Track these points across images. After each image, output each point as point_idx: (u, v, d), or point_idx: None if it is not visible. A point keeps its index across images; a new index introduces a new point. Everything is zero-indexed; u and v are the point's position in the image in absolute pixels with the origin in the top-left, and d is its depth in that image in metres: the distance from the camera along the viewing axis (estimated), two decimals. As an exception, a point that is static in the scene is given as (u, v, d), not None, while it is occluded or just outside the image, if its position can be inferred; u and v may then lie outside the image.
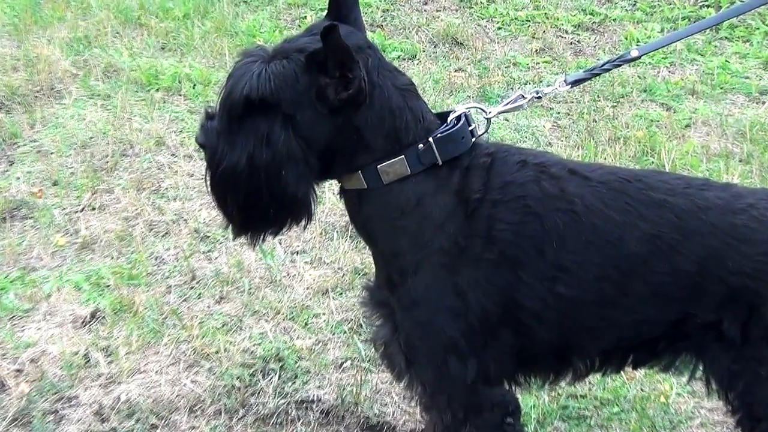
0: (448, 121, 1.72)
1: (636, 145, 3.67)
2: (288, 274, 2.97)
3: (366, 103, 1.62)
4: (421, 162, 1.67)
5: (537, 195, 1.65)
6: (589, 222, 1.64)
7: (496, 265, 1.65)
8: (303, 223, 1.71)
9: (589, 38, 4.94)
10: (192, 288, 2.91)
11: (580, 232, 1.64)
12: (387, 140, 1.66)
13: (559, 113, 4.12)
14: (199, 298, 2.87)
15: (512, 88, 4.28)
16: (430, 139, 1.68)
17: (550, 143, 3.82)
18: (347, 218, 3.46)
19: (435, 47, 4.71)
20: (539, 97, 1.89)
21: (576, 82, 1.92)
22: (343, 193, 1.78)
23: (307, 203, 1.67)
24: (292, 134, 1.61)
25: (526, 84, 4.36)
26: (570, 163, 1.75)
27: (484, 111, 1.84)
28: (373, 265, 1.83)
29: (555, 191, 1.66)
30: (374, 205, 1.70)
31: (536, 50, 4.74)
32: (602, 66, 1.93)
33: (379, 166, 1.67)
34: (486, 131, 1.79)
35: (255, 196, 1.63)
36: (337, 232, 3.20)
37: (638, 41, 4.82)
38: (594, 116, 4.03)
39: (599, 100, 4.20)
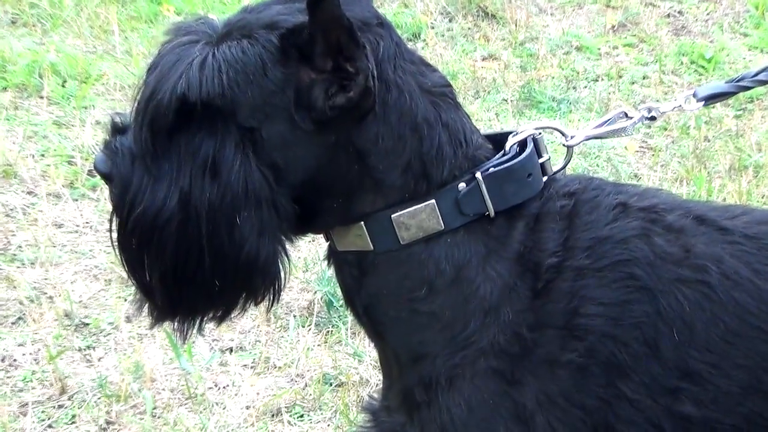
0: (506, 147, 1.78)
1: (775, 179, 3.83)
2: (216, 385, 2.98)
3: (375, 113, 1.66)
4: (462, 211, 1.71)
5: (647, 258, 1.69)
6: (730, 300, 1.67)
7: (582, 372, 1.67)
8: (266, 301, 1.72)
9: (697, 7, 5.10)
10: (61, 407, 2.90)
11: (718, 316, 1.67)
12: (407, 175, 1.70)
13: (649, 128, 4.23)
14: (72, 422, 2.86)
15: (574, 87, 4.39)
16: (478, 174, 1.72)
17: (636, 174, 3.92)
18: (312, 295, 3.46)
19: (451, 21, 4.82)
20: (652, 118, 1.94)
21: (714, 98, 1.98)
22: (333, 257, 1.79)
23: (272, 270, 1.68)
24: (254, 160, 1.63)
25: (597, 80, 4.48)
26: (696, 207, 1.79)
27: (563, 134, 1.88)
28: (377, 373, 1.84)
29: (676, 252, 1.70)
30: (384, 277, 1.73)
31: (613, 27, 4.92)
32: (762, 73, 1.98)
33: (393, 216, 1.70)
34: (565, 166, 1.84)
35: (191, 259, 1.66)
36: (295, 316, 3.19)
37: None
38: (706, 132, 4.16)
39: (714, 107, 4.32)
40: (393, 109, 1.68)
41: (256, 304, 1.73)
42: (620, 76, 4.58)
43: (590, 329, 1.67)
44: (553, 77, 4.49)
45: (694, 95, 1.98)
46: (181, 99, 1.61)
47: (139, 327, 3.19)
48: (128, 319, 3.20)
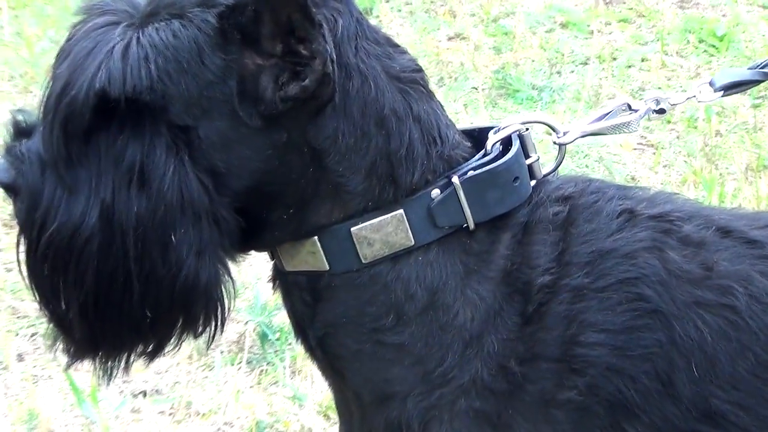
0: (488, 146, 1.82)
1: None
2: (127, 436, 2.99)
3: (334, 105, 1.70)
4: (436, 223, 1.75)
5: (659, 277, 1.72)
6: (761, 328, 1.71)
7: (582, 413, 1.70)
8: (207, 332, 1.75)
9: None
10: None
11: (745, 346, 1.70)
12: (371, 179, 1.74)
13: (649, 121, 4.27)
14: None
15: (559, 73, 4.43)
16: (455, 179, 1.76)
17: (633, 177, 3.98)
18: (243, 326, 3.47)
19: (409, -7, 4.85)
20: (661, 111, 1.99)
21: (734, 88, 2.01)
22: (280, 279, 1.83)
23: (214, 296, 1.72)
24: (190, 165, 1.67)
25: (586, 64, 4.50)
26: (719, 215, 1.82)
27: (554, 131, 1.91)
28: (322, 420, 1.87)
29: (694, 270, 1.73)
30: (343, 303, 1.77)
31: (605, -3, 5.01)
32: None
33: (353, 229, 1.74)
34: (557, 168, 1.88)
35: (116, 286, 1.68)
36: (222, 351, 3.21)
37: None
38: (718, 125, 4.21)
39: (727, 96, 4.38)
40: (355, 100, 1.71)
41: (195, 337, 1.76)
42: (614, 59, 4.65)
43: (591, 361, 1.70)
44: (533, 60, 4.52)
45: (711, 84, 2.00)
46: (101, 95, 1.64)
47: (34, 366, 3.18)
48: (20, 358, 3.19)
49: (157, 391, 3.17)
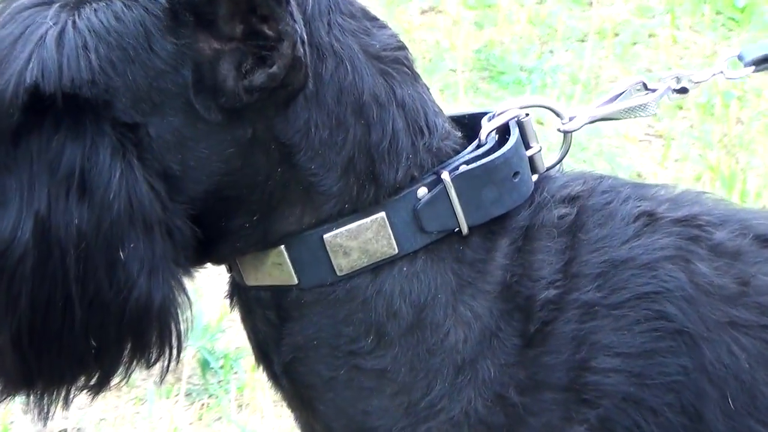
0: (482, 136, 1.84)
1: None
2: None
3: (306, 94, 1.72)
4: (424, 228, 1.77)
5: (685, 291, 1.74)
6: None
7: None
8: (161, 361, 1.77)
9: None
10: None
11: None
12: (348, 176, 1.76)
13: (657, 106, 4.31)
14: None
15: (551, 51, 4.46)
16: (445, 175, 1.78)
17: (640, 173, 4.01)
18: (187, 354, 3.47)
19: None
20: (683, 90, 2.00)
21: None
22: (239, 294, 1.85)
23: (169, 319, 1.74)
24: (139, 168, 1.67)
25: (583, 41, 4.53)
26: (756, 219, 1.84)
27: (558, 116, 1.93)
28: None
29: (728, 284, 1.75)
30: (315, 323, 1.79)
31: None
32: None
33: (327, 236, 1.76)
34: (561, 160, 1.90)
35: (54, 311, 1.69)
36: (155, 382, 3.22)
37: None
38: (739, 111, 4.27)
39: (749, 77, 4.40)
40: (329, 86, 1.73)
41: (148, 366, 1.77)
42: (616, 35, 4.69)
43: (605, 390, 1.72)
44: (521, 37, 4.54)
45: (740, 58, 2.03)
46: (33, 91, 1.64)
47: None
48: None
49: (79, 429, 3.15)
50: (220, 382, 3.35)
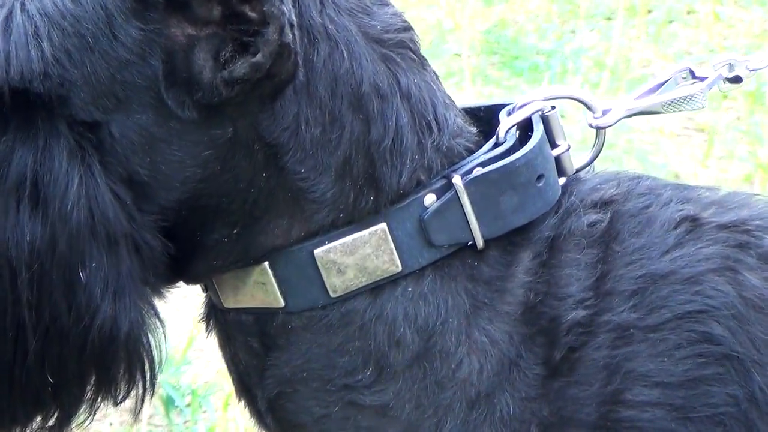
0: (500, 132, 1.85)
1: None
2: None
3: (295, 86, 1.73)
4: (432, 241, 1.78)
5: (734, 309, 1.75)
6: None
7: None
8: (133, 395, 1.77)
9: None
10: None
11: None
12: (344, 181, 1.77)
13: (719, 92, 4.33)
14: None
15: (573, 31, 4.48)
16: (456, 179, 1.79)
17: (677, 173, 4.03)
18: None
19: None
20: (736, 80, 2.01)
21: None
22: (217, 319, 1.86)
23: (139, 348, 1.76)
24: (101, 174, 1.69)
25: (610, 19, 4.55)
26: None
27: (590, 109, 1.93)
28: None
29: None
30: (304, 352, 1.81)
31: None
32: None
33: (318, 252, 1.77)
34: (593, 160, 1.91)
35: (4, 343, 1.70)
36: (112, 423, 3.25)
37: None
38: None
39: None
40: (322, 75, 1.74)
41: (116, 403, 1.78)
42: (649, 11, 4.70)
43: (641, 428, 1.74)
44: (537, 15, 4.56)
45: None
46: None
47: None
48: None
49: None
50: (186, 422, 3.36)
